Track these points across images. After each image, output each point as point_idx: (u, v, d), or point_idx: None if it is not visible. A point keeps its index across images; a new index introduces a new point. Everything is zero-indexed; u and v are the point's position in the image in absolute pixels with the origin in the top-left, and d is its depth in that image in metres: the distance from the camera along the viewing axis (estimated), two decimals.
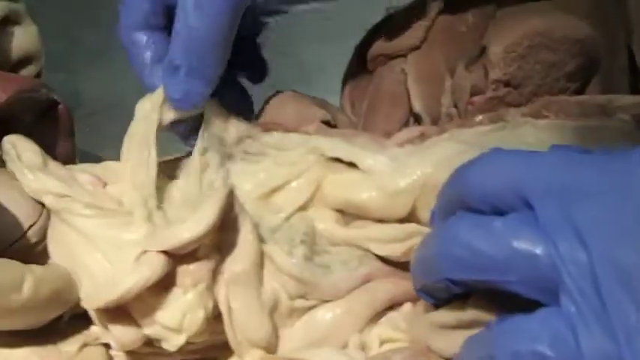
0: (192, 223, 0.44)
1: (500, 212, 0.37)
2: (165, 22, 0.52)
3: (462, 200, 0.39)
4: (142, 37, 0.52)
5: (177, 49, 0.49)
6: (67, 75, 0.82)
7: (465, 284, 0.37)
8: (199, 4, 0.47)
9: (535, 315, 0.34)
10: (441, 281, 0.38)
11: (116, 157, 0.52)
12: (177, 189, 0.51)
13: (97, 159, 0.70)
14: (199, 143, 0.51)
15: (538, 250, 0.34)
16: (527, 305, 0.35)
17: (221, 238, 0.46)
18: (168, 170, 0.52)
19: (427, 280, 0.40)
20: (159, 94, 0.51)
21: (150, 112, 0.51)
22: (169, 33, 0.50)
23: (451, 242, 0.37)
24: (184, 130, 0.53)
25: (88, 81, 0.84)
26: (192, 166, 0.51)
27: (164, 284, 0.44)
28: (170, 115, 0.51)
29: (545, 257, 0.34)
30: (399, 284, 0.48)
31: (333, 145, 0.52)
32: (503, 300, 0.37)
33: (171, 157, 0.54)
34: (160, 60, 0.52)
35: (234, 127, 0.53)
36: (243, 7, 0.49)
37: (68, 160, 0.56)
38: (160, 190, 0.50)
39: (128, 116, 0.52)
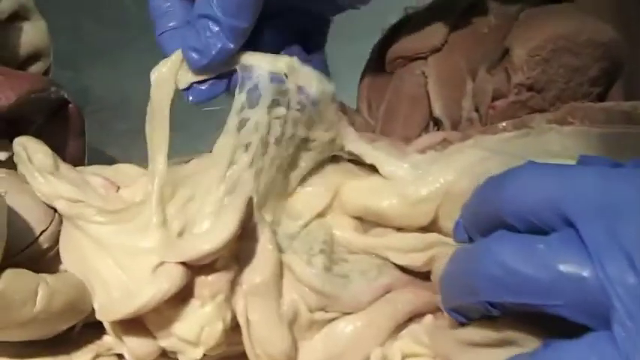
0: (212, 234, 0.43)
1: (536, 229, 0.36)
2: None
3: (494, 215, 0.37)
4: (168, 3, 0.50)
5: (204, 1, 0.47)
6: (74, 73, 0.81)
7: (504, 306, 0.36)
8: None
9: (582, 340, 0.33)
10: (480, 303, 0.37)
11: (122, 155, 0.51)
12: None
13: (103, 156, 0.69)
14: (240, 97, 0.48)
15: (585, 273, 0.33)
16: (568, 328, 0.34)
17: (239, 247, 0.45)
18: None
19: (463, 302, 0.39)
20: (176, 55, 0.49)
21: (167, 75, 0.49)
22: None
23: (491, 264, 0.36)
24: (214, 88, 0.50)
25: (95, 79, 0.83)
26: (229, 123, 0.48)
27: (182, 296, 0.43)
28: (188, 77, 0.49)
29: (593, 280, 0.33)
30: (419, 294, 0.47)
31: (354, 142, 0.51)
32: (541, 321, 0.35)
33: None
34: (183, 27, 0.50)
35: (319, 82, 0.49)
36: None
37: (78, 160, 0.55)
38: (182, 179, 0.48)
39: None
